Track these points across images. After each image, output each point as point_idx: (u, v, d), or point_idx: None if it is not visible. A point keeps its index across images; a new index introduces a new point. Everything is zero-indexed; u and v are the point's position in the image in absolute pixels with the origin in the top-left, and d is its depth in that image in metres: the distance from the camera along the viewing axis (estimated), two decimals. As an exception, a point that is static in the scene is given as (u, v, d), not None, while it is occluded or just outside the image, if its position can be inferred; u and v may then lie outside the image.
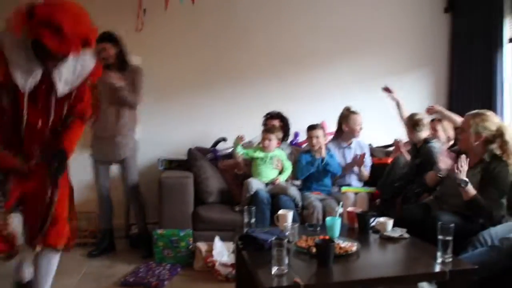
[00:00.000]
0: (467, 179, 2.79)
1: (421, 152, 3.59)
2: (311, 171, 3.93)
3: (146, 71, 4.44)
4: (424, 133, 3.63)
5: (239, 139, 3.90)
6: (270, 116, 4.27)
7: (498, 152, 2.87)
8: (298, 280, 1.89)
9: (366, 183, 4.12)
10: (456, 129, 3.74)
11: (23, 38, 2.08)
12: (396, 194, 3.63)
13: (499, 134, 2.87)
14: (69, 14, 2.04)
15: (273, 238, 2.05)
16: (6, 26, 2.09)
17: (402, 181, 3.65)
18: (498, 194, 2.81)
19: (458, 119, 3.73)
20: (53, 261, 2.51)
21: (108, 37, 3.66)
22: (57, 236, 2.40)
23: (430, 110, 3.96)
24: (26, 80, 2.16)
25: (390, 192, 3.69)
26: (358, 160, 4.05)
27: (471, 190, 2.78)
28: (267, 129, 3.98)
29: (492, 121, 2.90)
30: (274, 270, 1.99)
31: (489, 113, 2.95)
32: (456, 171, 2.80)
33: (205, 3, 4.50)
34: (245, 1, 4.29)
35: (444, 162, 3.09)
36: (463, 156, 2.84)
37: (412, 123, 3.64)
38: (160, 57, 4.66)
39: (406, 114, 3.91)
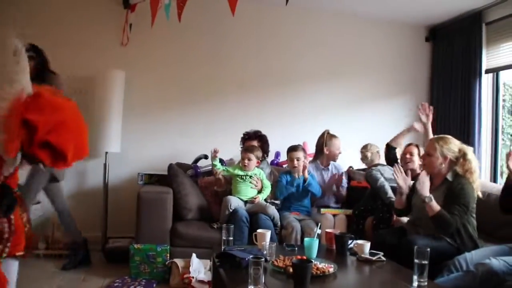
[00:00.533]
0: (430, 195, 2.92)
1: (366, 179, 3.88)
2: (290, 191, 3.94)
3: (130, 85, 4.47)
4: (372, 162, 4.00)
5: (214, 153, 3.90)
6: (248, 137, 4.27)
7: (460, 171, 3.03)
8: (274, 299, 1.89)
9: (346, 205, 4.13)
10: None
11: None
12: (362, 217, 3.70)
13: (462, 155, 3.04)
14: (73, 138, 1.90)
15: (251, 257, 2.04)
16: None
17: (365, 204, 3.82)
18: (462, 209, 2.90)
19: None
20: (13, 269, 2.44)
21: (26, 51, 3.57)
22: (15, 243, 2.35)
23: (424, 109, 3.90)
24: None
25: (356, 213, 3.81)
26: (337, 179, 4.10)
27: (435, 205, 2.89)
28: (247, 149, 3.97)
29: (454, 143, 3.08)
30: (250, 288, 1.98)
31: (450, 136, 3.14)
32: (418, 187, 2.97)
33: (191, 21, 4.55)
34: (232, 21, 4.32)
35: (402, 179, 3.18)
36: (423, 173, 3.03)
37: (361, 154, 4.08)
38: (144, 72, 4.68)
39: (401, 141, 4.03)
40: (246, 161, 3.86)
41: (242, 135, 4.32)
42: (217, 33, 4.84)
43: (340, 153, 4.21)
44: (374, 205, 3.73)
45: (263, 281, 2.01)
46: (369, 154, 4.03)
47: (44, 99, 1.88)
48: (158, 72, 4.74)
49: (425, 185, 2.96)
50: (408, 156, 3.88)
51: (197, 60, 4.82)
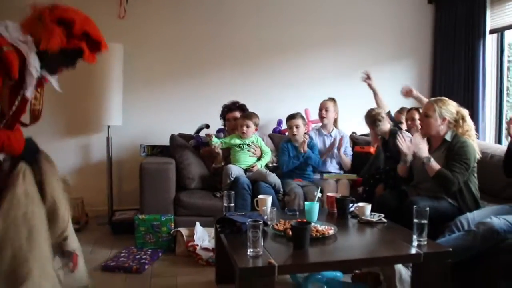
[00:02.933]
0: (429, 155, 2.96)
1: (390, 143, 3.60)
2: (296, 164, 3.93)
3: (129, 58, 4.44)
4: (386, 126, 3.65)
5: (208, 137, 3.87)
6: (228, 109, 4.18)
7: (460, 132, 3.06)
8: (272, 261, 1.91)
9: (347, 171, 4.12)
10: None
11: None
12: (376, 184, 3.65)
13: (460, 117, 3.06)
14: (96, 27, 2.10)
15: (249, 220, 2.06)
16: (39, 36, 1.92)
17: (381, 172, 3.68)
18: (462, 166, 2.91)
19: None
20: None
21: None
22: None
23: (407, 93, 3.92)
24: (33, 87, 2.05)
25: (371, 182, 3.69)
26: (333, 143, 4.07)
27: (434, 165, 2.93)
28: (244, 116, 3.94)
29: (452, 104, 3.09)
30: (249, 251, 2.00)
31: (446, 98, 3.14)
32: (416, 151, 3.02)
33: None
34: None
35: (406, 147, 3.15)
36: (415, 136, 3.10)
37: (371, 119, 3.68)
38: (143, 44, 4.64)
39: (383, 103, 3.94)
40: (244, 128, 3.84)
41: (222, 109, 4.23)
42: (214, 3, 4.77)
43: (326, 110, 4.15)
44: (389, 172, 3.64)
45: (262, 244, 2.04)
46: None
47: (62, 5, 2.07)
48: (157, 44, 4.69)
49: (421, 147, 3.00)
50: (410, 122, 3.85)
51: (195, 31, 4.75)
